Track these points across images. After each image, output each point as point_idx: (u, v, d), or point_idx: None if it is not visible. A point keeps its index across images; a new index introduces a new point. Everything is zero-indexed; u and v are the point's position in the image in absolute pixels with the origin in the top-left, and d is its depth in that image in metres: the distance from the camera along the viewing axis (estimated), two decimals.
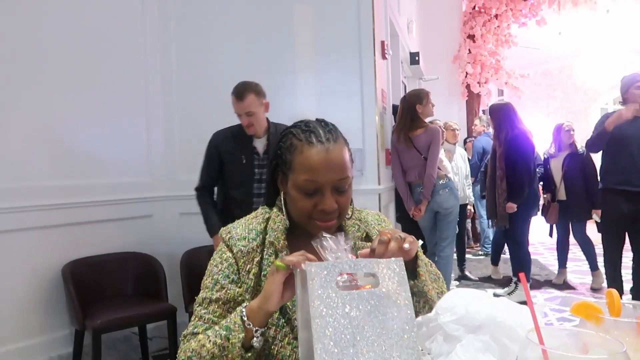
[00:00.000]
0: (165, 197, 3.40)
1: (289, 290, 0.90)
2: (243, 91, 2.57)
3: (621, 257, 3.42)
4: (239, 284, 1.08)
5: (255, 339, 0.95)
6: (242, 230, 1.12)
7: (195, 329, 1.04)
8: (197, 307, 1.08)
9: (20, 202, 2.67)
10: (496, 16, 7.58)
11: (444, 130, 4.66)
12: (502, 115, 3.99)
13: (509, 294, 4.14)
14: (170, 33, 3.43)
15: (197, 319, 1.06)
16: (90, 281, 2.88)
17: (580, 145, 4.44)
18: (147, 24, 3.36)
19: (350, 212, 1.16)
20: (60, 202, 2.84)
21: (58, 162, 2.88)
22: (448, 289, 4.20)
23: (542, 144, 5.28)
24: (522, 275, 0.65)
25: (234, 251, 1.10)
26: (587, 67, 7.67)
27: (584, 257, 4.54)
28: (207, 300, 1.06)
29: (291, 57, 3.30)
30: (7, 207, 2.62)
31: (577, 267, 5.15)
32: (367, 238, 1.16)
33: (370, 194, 3.19)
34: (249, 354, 0.96)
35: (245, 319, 0.95)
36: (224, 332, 0.97)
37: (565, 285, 4.62)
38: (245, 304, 0.98)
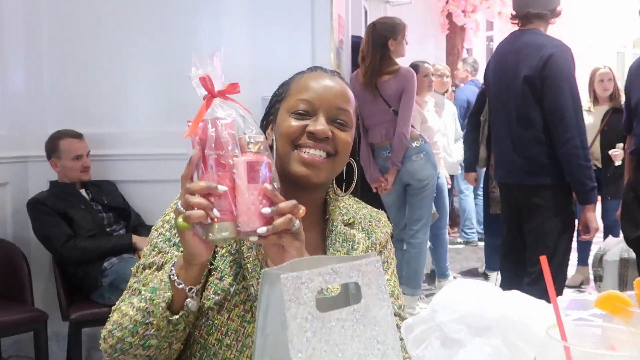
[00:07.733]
0: (28, 157, 3.32)
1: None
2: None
3: None
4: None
5: (189, 299, 1.05)
6: None
7: (122, 303, 1.13)
8: (131, 278, 1.18)
9: None
10: None
11: (431, 76, 4.64)
12: None
13: None
14: None
15: (126, 291, 1.17)
16: None
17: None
18: None
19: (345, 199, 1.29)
20: None
21: None
22: (419, 288, 4.37)
23: None
24: (543, 258, 0.74)
25: None
26: None
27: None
28: (141, 267, 1.19)
29: None
30: None
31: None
32: (351, 225, 1.29)
33: None
34: (176, 317, 1.05)
35: (173, 276, 1.05)
36: (149, 295, 1.07)
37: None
38: (174, 261, 1.09)
